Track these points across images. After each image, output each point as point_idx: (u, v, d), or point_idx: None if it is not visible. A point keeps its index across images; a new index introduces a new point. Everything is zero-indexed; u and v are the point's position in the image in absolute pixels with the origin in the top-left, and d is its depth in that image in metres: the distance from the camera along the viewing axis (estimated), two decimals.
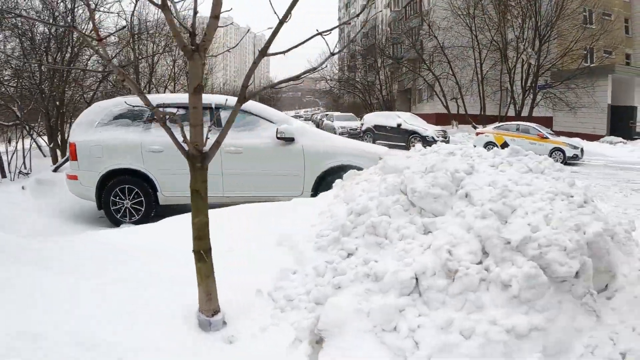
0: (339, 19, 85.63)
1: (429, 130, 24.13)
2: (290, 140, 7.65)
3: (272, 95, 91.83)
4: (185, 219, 4.85)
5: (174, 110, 7.33)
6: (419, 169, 4.45)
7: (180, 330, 3.27)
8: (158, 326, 3.25)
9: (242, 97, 3.45)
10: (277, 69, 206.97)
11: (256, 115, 7.88)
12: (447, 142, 24.45)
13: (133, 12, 28.62)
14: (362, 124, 28.50)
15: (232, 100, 7.83)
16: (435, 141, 23.45)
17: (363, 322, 3.24)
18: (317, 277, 3.88)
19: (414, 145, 19.54)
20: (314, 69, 4.04)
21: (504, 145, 20.15)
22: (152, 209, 7.71)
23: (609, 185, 12.92)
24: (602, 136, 26.59)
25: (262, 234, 4.81)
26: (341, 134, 30.96)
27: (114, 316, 3.24)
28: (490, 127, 22.17)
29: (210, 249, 3.39)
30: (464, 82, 31.80)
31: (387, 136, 25.77)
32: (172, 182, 7.54)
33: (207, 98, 7.56)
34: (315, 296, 3.64)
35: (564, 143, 18.87)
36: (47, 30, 13.92)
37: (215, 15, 3.10)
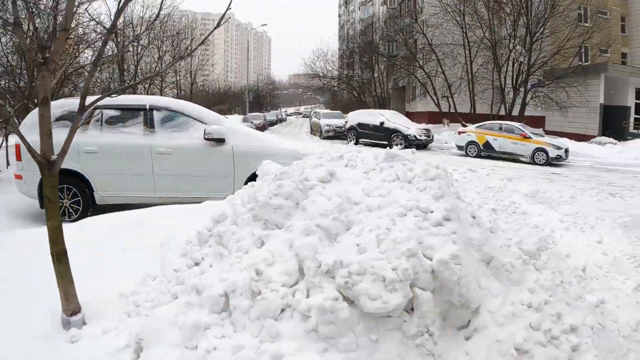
0: (339, 15, 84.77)
1: (411, 128, 23.26)
2: (220, 141, 7.63)
3: (271, 92, 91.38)
4: (102, 219, 5.59)
5: (112, 111, 7.88)
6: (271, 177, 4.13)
7: (40, 329, 3.48)
8: (23, 324, 3.50)
9: (82, 107, 3.55)
10: (279, 67, 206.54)
11: (188, 116, 7.89)
12: (431, 141, 23.60)
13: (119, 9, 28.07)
14: (345, 122, 27.68)
15: (166, 102, 8.14)
16: (417, 140, 22.62)
17: (175, 336, 3.13)
18: (168, 284, 3.82)
19: (396, 144, 18.93)
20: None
21: (486, 145, 19.29)
22: (88, 208, 7.75)
23: (586, 189, 12.04)
24: (594, 136, 25.71)
25: (153, 235, 4.82)
26: (327, 131, 30.27)
27: None
28: (472, 127, 21.31)
29: (65, 251, 3.52)
30: (453, 80, 30.91)
31: (369, 134, 25.00)
32: (107, 182, 7.73)
33: (142, 99, 8.41)
34: (154, 304, 3.64)
35: (547, 143, 18.00)
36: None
37: (65, 28, 3.28)
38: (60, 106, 7.70)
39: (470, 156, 19.96)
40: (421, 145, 22.95)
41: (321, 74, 46.68)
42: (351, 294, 2.91)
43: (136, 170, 7.69)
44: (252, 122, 35.94)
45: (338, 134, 29.01)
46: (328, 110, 36.86)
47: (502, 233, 4.06)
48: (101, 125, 7.78)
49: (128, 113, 7.91)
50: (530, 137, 18.34)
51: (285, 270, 3.25)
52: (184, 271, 3.79)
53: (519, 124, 20.26)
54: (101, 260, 3.82)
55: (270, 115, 57.48)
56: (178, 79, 43.03)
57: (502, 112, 28.82)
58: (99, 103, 7.37)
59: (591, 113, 26.52)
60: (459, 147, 21.01)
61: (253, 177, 6.89)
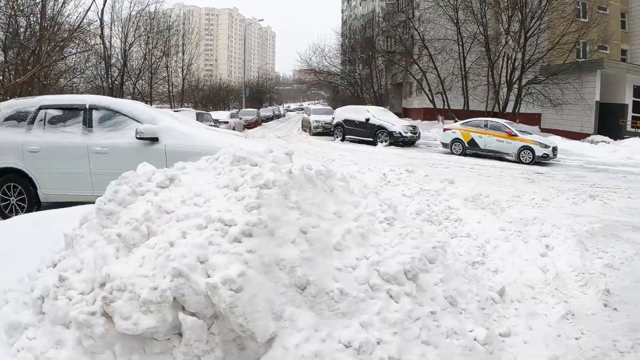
0: (342, 11, 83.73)
1: (397, 125, 22.36)
2: (153, 140, 7.60)
3: (271, 88, 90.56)
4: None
5: (54, 111, 8.03)
6: None
7: None
8: None
9: None
10: (284, 63, 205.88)
11: (124, 115, 7.97)
12: (417, 137, 22.69)
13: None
14: (332, 118, 26.83)
15: (105, 101, 8.28)
16: (402, 136, 21.74)
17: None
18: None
19: (381, 141, 18.04)
20: None
21: (471, 142, 18.39)
22: (33, 206, 7.92)
23: (565, 190, 11.17)
24: (590, 135, 24.71)
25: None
26: (315, 127, 29.45)
27: None
28: (457, 123, 20.38)
29: None
30: (446, 76, 29.93)
31: (355, 131, 24.16)
32: (50, 181, 7.87)
33: (83, 98, 8.49)
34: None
35: (534, 141, 17.01)
36: None
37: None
38: (9, 106, 8.30)
39: (455, 154, 18.99)
40: (407, 142, 22.13)
41: (317, 69, 45.86)
42: (109, 310, 2.78)
43: (75, 169, 7.82)
44: (240, 118, 35.13)
45: (327, 130, 28.17)
46: (319, 106, 36.14)
47: (359, 249, 3.38)
48: (44, 124, 7.95)
49: (69, 112, 8.04)
50: (516, 135, 17.35)
51: (87, 278, 3.16)
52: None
53: (506, 121, 19.26)
54: None
55: (267, 111, 56.58)
56: (169, 74, 42.09)
57: (497, 110, 27.87)
58: (43, 103, 8.10)
59: (587, 111, 25.46)
60: (444, 145, 20.02)
61: None
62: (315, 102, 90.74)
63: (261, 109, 58.15)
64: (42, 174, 7.86)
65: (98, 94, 31.48)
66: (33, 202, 7.94)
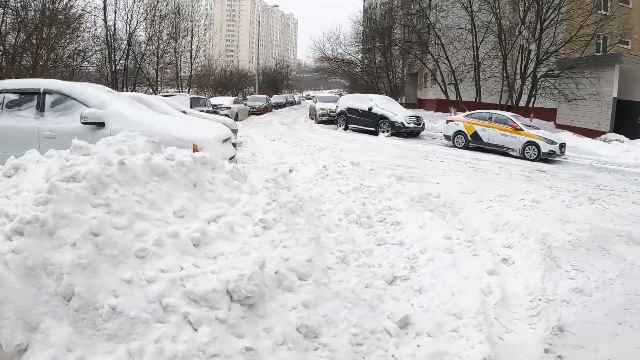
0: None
1: (399, 115, 21.24)
2: (100, 125, 7.49)
3: (290, 74, 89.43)
4: None
5: (12, 95, 7.95)
6: None
7: None
8: None
9: None
10: (307, 51, 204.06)
11: (74, 98, 7.87)
12: (421, 129, 21.57)
13: None
14: (336, 107, 25.78)
15: (57, 85, 8.08)
16: (405, 127, 20.65)
17: None
18: None
19: (382, 131, 17.01)
20: None
21: (474, 135, 17.25)
22: None
23: (564, 191, 10.08)
24: (605, 132, 23.30)
25: None
26: (321, 115, 28.49)
27: None
28: (461, 115, 19.20)
29: None
30: (457, 66, 28.58)
31: (358, 120, 23.16)
32: None
33: (38, 83, 8.38)
34: None
35: (540, 137, 15.77)
36: None
37: None
38: None
39: (458, 147, 17.87)
40: (410, 132, 21.05)
41: (331, 56, 44.65)
42: None
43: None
44: (244, 104, 34.22)
45: (332, 119, 27.09)
46: (326, 94, 35.05)
47: (178, 258, 2.78)
48: (2, 108, 7.92)
49: (25, 97, 8.00)
50: (521, 129, 16.14)
51: None
52: None
53: (511, 114, 17.95)
54: None
55: (279, 98, 55.59)
56: (176, 58, 41.19)
57: (510, 103, 26.52)
58: (2, 87, 8.15)
59: (603, 107, 24.00)
60: (447, 137, 18.88)
61: None
62: (336, 90, 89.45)
63: (274, 96, 57.25)
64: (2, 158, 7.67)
65: (104, 78, 31.00)
66: None
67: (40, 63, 25.35)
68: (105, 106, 7.77)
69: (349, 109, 23.79)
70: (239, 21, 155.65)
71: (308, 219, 3.76)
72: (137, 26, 32.92)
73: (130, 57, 31.73)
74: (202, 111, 20.70)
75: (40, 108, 7.86)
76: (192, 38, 43.94)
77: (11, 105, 8.00)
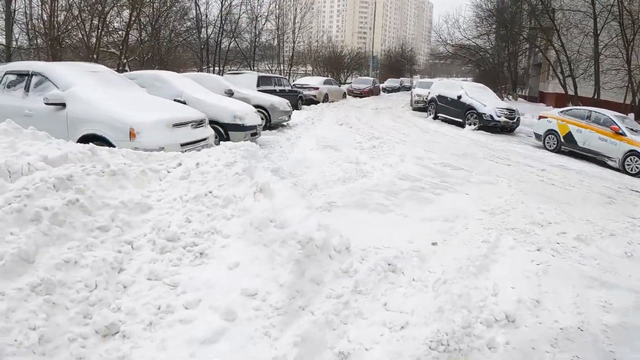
0: None
1: (489, 106, 18.25)
2: (61, 105, 7.76)
3: (413, 58, 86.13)
4: None
5: (12, 76, 8.58)
6: None
7: None
8: None
9: None
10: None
11: (49, 79, 8.23)
12: (515, 124, 18.55)
13: None
14: (428, 93, 23.18)
15: (41, 67, 8.55)
16: (493, 120, 17.80)
17: None
18: None
19: (469, 123, 14.61)
20: None
21: (568, 137, 14.20)
22: None
23: None
24: None
25: None
26: (416, 102, 26.11)
27: None
28: (555, 111, 15.94)
29: None
30: (572, 55, 24.53)
31: (447, 109, 20.60)
32: None
33: (29, 65, 8.90)
34: None
35: None
36: None
37: None
38: None
39: (548, 149, 14.74)
40: (501, 127, 18.11)
41: (448, 41, 41.37)
42: None
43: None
44: (339, 85, 32.41)
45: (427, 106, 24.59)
46: (426, 79, 32.24)
47: None
48: (4, 88, 8.57)
49: (19, 78, 8.55)
50: (623, 134, 12.73)
51: None
52: None
53: (616, 114, 14.13)
54: None
55: (393, 82, 53.02)
56: (278, 36, 39.99)
57: (634, 102, 22.29)
58: (8, 69, 8.83)
59: None
60: (537, 136, 15.65)
61: (88, 138, 7.29)
62: (467, 78, 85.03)
63: (388, 80, 54.89)
64: None
65: (196, 55, 30.66)
66: None
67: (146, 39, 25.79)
68: (70, 87, 7.97)
69: (439, 97, 21.23)
70: (373, 3, 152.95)
71: None
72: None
73: (226, 33, 31.19)
74: (274, 91, 19.24)
75: (27, 88, 8.34)
76: (295, 16, 42.41)
77: (10, 85, 8.60)
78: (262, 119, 14.96)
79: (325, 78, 31.69)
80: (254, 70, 35.44)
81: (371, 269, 4.20)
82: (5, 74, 8.75)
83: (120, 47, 24.05)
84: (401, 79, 57.25)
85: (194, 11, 30.34)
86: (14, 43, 20.53)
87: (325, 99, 27.99)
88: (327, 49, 57.04)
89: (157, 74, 12.05)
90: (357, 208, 6.77)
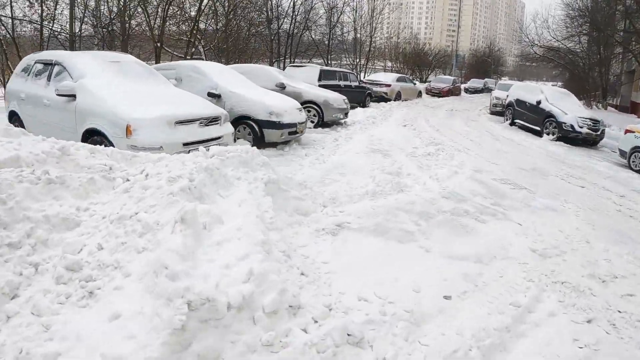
0: None
1: (569, 115, 16.17)
2: (72, 97, 7.47)
3: (499, 59, 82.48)
4: None
5: (39, 65, 8.72)
6: None
7: None
8: None
9: None
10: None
11: (66, 70, 8.01)
12: (599, 136, 16.46)
13: None
14: (507, 96, 21.29)
15: (61, 56, 8.54)
16: (574, 131, 15.87)
17: None
18: None
19: (547, 133, 13.06)
20: None
21: None
22: None
23: None
24: None
25: None
26: (494, 105, 24.35)
27: None
28: None
29: None
30: None
31: (525, 115, 18.78)
32: (31, 125, 8.44)
33: (54, 54, 9.06)
34: None
35: None
36: None
37: None
38: (26, 59, 9.56)
39: (633, 169, 12.54)
40: (583, 139, 16.06)
41: (537, 42, 38.68)
42: None
43: (36, 116, 8.43)
44: (414, 84, 30.78)
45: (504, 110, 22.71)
46: (508, 81, 30.01)
47: None
48: (33, 76, 8.69)
49: (45, 67, 8.53)
50: None
51: None
52: None
53: None
54: None
55: (476, 83, 50.39)
56: (355, 27, 38.64)
57: None
58: (36, 57, 9.06)
59: None
60: (621, 153, 13.37)
61: (90, 133, 7.18)
62: (556, 83, 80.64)
63: (472, 80, 52.39)
64: (27, 118, 8.77)
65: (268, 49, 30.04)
66: None
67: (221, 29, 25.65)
68: (81, 78, 7.68)
69: (518, 101, 19.39)
70: (462, 1, 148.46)
71: None
72: None
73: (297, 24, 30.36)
74: (338, 86, 18.14)
75: (49, 78, 8.26)
76: (372, 9, 40.67)
77: (37, 74, 8.64)
78: (314, 115, 13.92)
79: (398, 75, 30.21)
80: (329, 64, 34.47)
81: (312, 343, 3.00)
82: (36, 62, 8.84)
83: (189, 36, 23.71)
84: (485, 79, 54.44)
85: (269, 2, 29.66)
86: (77, 30, 20.44)
87: (398, 97, 26.55)
88: (409, 44, 55.23)
89: (195, 65, 11.26)
90: (373, 233, 5.56)
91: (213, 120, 7.97)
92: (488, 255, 5.23)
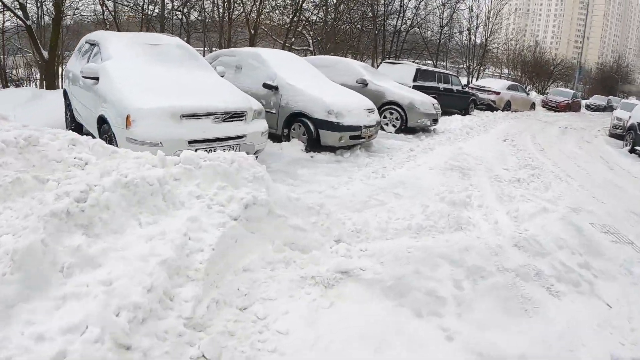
0: None
1: None
2: (96, 79, 6.77)
3: (628, 76, 75.61)
4: None
5: (88, 46, 8.48)
6: None
7: None
8: None
9: None
10: None
11: (100, 49, 7.60)
12: None
13: None
14: (629, 118, 18.33)
15: (98, 37, 8.29)
16: None
17: None
18: None
19: None
20: None
21: None
22: (72, 123, 8.91)
23: None
24: None
25: None
26: (614, 127, 21.43)
27: None
28: None
29: None
30: None
31: None
32: (75, 104, 8.36)
33: (95, 35, 8.77)
34: None
35: None
36: None
37: None
38: (83, 38, 9.20)
39: None
40: None
41: None
42: None
43: (77, 97, 8.03)
44: (527, 94, 27.98)
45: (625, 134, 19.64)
46: (632, 100, 26.35)
47: None
48: (82, 56, 8.33)
49: (90, 47, 8.17)
50: None
51: None
52: None
53: None
54: None
55: (599, 100, 45.77)
56: (470, 26, 35.97)
57: None
58: (87, 38, 8.83)
59: None
60: None
61: (100, 120, 6.50)
62: None
63: (594, 96, 47.82)
64: (72, 97, 8.49)
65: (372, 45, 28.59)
66: (73, 120, 8.71)
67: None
68: (107, 60, 7.10)
69: None
70: (592, 11, 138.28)
71: None
72: None
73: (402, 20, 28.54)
74: (437, 88, 16.33)
75: (89, 58, 7.88)
76: (489, 10, 37.57)
77: (83, 53, 8.37)
78: (396, 119, 12.30)
79: (510, 82, 27.46)
80: (436, 65, 32.32)
81: None
82: (85, 42, 8.69)
83: (289, 25, 22.79)
84: (609, 97, 49.53)
85: None
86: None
87: (507, 107, 24.02)
88: (530, 51, 51.46)
89: (256, 52, 10.10)
90: (385, 293, 3.92)
91: (235, 116, 6.65)
92: (545, 358, 3.43)
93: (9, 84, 15.86)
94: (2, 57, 16.78)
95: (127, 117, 5.77)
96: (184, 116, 6.08)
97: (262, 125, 7.14)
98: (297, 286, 3.83)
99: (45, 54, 14.81)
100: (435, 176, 8.32)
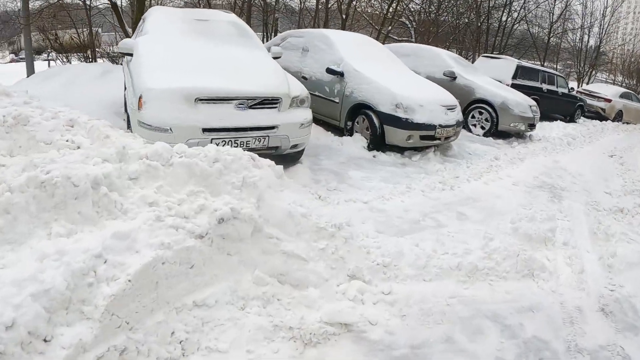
0: None
1: None
2: (130, 55, 6.21)
3: None
4: None
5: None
6: None
7: None
8: None
9: None
10: None
11: (143, 24, 7.33)
12: None
13: None
14: None
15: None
16: None
17: None
18: None
19: None
20: None
21: None
22: None
23: None
24: None
25: None
26: None
27: None
28: None
29: None
30: None
31: None
32: None
33: (151, 10, 7.91)
34: None
35: None
36: None
37: None
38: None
39: None
40: None
41: None
42: None
43: (126, 74, 7.19)
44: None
45: None
46: None
47: None
48: (138, 33, 7.71)
49: (142, 23, 7.70)
50: None
51: None
52: None
53: None
54: None
55: None
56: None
57: None
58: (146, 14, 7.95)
59: None
60: None
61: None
62: None
63: None
64: (125, 74, 7.99)
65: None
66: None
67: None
68: (144, 35, 6.62)
69: None
70: None
71: None
72: None
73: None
74: (539, 89, 14.56)
75: (138, 34, 7.58)
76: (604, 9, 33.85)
77: (139, 30, 7.68)
78: (486, 120, 10.87)
79: (624, 90, 24.47)
80: (544, 65, 29.77)
81: None
82: (142, 17, 8.24)
83: (386, 12, 22.27)
84: None
85: None
86: None
87: (618, 116, 21.35)
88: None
89: (324, 34, 9.06)
90: None
91: (266, 103, 5.49)
92: None
93: (100, 59, 15.93)
94: (91, 32, 16.89)
95: (140, 98, 5.00)
96: (200, 99, 5.08)
97: (303, 115, 5.90)
98: (265, 337, 2.74)
99: (129, 31, 14.56)
100: (517, 195, 6.85)
